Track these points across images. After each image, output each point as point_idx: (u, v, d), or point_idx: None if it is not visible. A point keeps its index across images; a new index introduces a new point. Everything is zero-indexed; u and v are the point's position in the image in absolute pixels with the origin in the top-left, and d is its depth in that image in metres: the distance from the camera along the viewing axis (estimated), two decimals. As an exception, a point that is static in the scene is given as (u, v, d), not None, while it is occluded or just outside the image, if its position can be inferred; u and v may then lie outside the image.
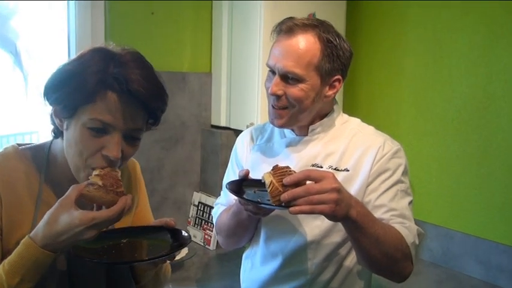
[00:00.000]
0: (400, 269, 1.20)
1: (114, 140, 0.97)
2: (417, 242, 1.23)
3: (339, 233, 1.28)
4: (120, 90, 0.95)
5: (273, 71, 1.29)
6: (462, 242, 2.05)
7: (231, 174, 1.48)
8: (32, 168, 1.06)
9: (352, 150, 1.32)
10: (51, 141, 1.10)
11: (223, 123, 2.41)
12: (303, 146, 1.36)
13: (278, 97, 1.27)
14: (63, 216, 0.91)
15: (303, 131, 1.37)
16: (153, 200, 2.38)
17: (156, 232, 1.09)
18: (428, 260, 2.17)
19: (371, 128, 1.39)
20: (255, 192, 1.20)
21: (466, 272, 2.03)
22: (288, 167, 1.12)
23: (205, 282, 2.02)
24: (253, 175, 1.28)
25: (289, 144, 1.38)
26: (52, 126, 1.06)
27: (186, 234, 1.08)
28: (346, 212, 1.07)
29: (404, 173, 1.31)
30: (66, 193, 0.94)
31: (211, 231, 2.36)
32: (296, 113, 1.29)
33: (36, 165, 1.07)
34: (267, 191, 1.09)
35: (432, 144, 2.18)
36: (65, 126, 1.01)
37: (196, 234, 2.44)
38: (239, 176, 1.24)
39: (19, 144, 1.12)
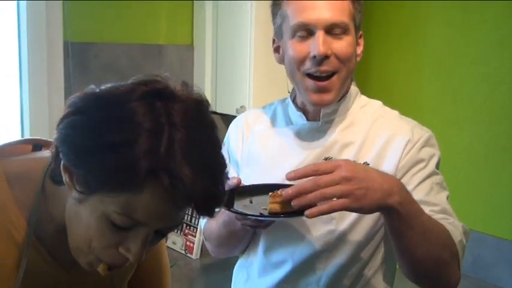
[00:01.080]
0: (447, 274, 1.13)
1: (140, 240, 0.81)
2: (464, 241, 1.16)
3: (358, 237, 1.23)
4: (170, 186, 0.77)
5: (306, 30, 1.21)
6: (495, 248, 2.04)
7: None
8: (12, 201, 0.87)
9: (373, 139, 1.26)
10: (46, 172, 0.89)
11: (208, 107, 2.36)
12: (313, 134, 1.29)
13: (324, 59, 1.19)
14: None
15: (316, 116, 1.29)
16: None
17: None
18: (455, 270, 2.14)
19: (395, 113, 1.32)
20: (251, 202, 1.11)
21: (500, 284, 2.02)
22: None
23: (187, 298, 1.97)
24: (250, 171, 1.22)
25: (296, 133, 1.31)
26: (52, 166, 0.86)
27: None
28: (379, 200, 1.01)
29: (438, 165, 1.26)
30: None
31: (194, 236, 2.29)
32: (345, 78, 1.23)
33: (22, 198, 0.88)
34: (264, 197, 1.05)
35: (459, 133, 2.14)
36: (76, 195, 0.81)
37: (176, 240, 2.37)
38: (227, 185, 1.16)
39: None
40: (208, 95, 2.35)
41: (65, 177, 0.82)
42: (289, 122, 1.35)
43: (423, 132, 1.27)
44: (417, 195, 1.18)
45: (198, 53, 2.39)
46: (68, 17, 2.07)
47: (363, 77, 2.35)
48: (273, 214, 1.04)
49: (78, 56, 2.13)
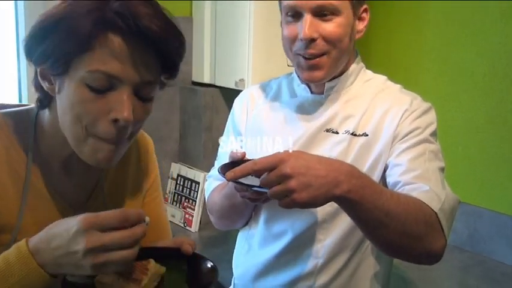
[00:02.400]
0: (427, 246, 1.09)
1: (123, 97, 0.87)
2: (448, 207, 1.13)
3: None
4: (126, 28, 0.86)
5: (295, 12, 1.23)
6: (492, 222, 2.04)
7: (227, 145, 1.42)
8: (14, 142, 0.97)
9: (372, 111, 1.28)
10: (37, 111, 1.00)
11: (206, 80, 2.36)
12: (316, 107, 1.32)
13: (310, 42, 1.21)
14: (63, 220, 0.83)
15: (320, 89, 1.32)
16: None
17: (169, 257, 0.94)
18: (452, 243, 2.16)
19: (397, 86, 1.35)
20: (251, 175, 1.14)
21: (496, 257, 2.02)
22: None
23: (186, 270, 2.00)
24: (254, 142, 1.25)
25: (300, 105, 1.34)
26: (38, 95, 0.96)
27: (211, 263, 0.94)
28: (325, 194, 0.97)
29: (434, 134, 1.26)
30: (85, 214, 0.82)
31: (193, 209, 2.32)
32: (336, 58, 1.25)
33: (20, 139, 0.97)
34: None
35: (459, 106, 2.14)
36: (56, 89, 0.91)
37: (174, 214, 2.39)
38: (231, 157, 1.17)
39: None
40: (207, 68, 2.35)
41: (45, 84, 0.93)
42: (293, 94, 1.38)
43: (421, 103, 1.29)
44: (401, 159, 1.20)
45: (197, 25, 2.36)
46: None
47: (363, 51, 2.35)
48: None
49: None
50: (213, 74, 2.33)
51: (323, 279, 1.29)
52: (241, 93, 1.49)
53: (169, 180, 2.47)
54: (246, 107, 1.43)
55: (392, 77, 1.38)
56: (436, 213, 1.09)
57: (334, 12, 1.21)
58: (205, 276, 0.92)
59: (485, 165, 2.08)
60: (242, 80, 2.13)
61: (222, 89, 2.31)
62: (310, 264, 1.29)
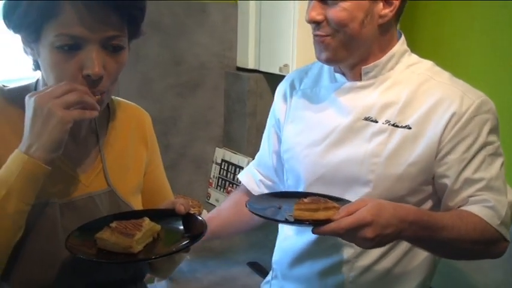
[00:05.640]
0: (487, 255, 1.25)
1: (91, 55, 0.97)
2: (508, 218, 1.21)
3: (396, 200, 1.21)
4: None
5: None
6: None
7: (266, 136, 1.51)
8: (19, 110, 1.06)
9: (417, 102, 1.24)
10: (37, 79, 1.12)
11: (251, 65, 2.37)
12: (354, 93, 1.30)
13: (318, 24, 1.24)
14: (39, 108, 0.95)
15: (357, 75, 1.30)
16: (167, 157, 2.40)
17: (165, 216, 1.07)
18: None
19: (446, 75, 1.29)
20: (279, 208, 1.18)
21: None
22: (319, 200, 1.10)
23: (228, 254, 2.02)
24: (293, 128, 1.35)
25: (339, 91, 1.32)
26: (31, 59, 1.08)
27: (202, 219, 1.06)
28: (390, 240, 1.11)
29: (492, 130, 1.24)
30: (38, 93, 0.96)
31: (237, 194, 2.36)
32: (344, 42, 1.23)
33: (23, 108, 1.06)
34: (291, 203, 1.12)
35: (510, 96, 2.09)
36: (36, 54, 1.03)
37: (218, 198, 2.44)
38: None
39: (4, 86, 1.13)
40: (252, 54, 2.36)
41: (28, 50, 1.04)
42: (333, 79, 1.36)
43: (474, 98, 1.23)
44: (466, 174, 1.22)
45: (242, 11, 2.37)
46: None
47: (410, 35, 2.31)
48: (297, 220, 1.09)
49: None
50: (258, 59, 2.34)
51: (359, 267, 1.29)
52: (282, 81, 1.49)
53: (214, 165, 2.51)
54: (286, 94, 1.45)
55: (441, 64, 1.33)
56: (496, 228, 1.18)
57: None
58: (196, 229, 1.03)
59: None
60: (286, 65, 2.13)
61: (266, 74, 2.32)
62: (346, 252, 1.30)
